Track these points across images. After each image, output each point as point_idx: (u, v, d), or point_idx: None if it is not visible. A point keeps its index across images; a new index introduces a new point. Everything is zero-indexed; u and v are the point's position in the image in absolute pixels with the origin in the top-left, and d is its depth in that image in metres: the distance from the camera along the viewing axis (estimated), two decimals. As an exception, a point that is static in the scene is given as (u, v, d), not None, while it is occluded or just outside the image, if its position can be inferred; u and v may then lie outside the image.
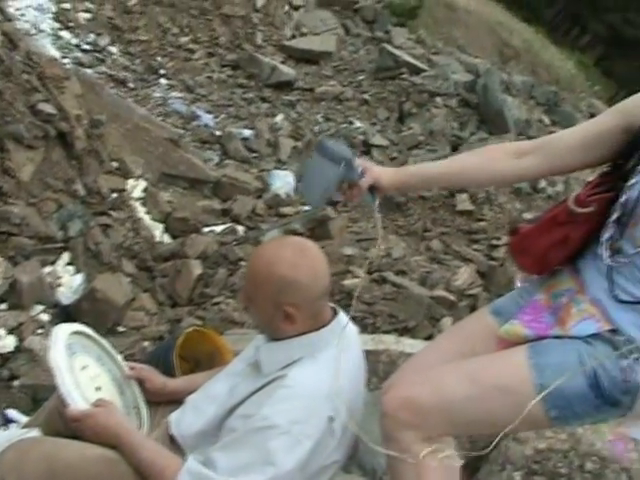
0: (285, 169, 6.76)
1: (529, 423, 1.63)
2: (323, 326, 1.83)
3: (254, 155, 6.99)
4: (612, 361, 1.55)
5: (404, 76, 8.65)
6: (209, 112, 7.49)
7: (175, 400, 2.05)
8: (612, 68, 20.60)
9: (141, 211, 4.94)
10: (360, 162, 1.86)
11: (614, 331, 1.59)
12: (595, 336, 1.60)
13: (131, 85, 7.50)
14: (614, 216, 1.60)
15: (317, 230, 5.12)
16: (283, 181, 6.48)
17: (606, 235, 1.62)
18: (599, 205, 1.64)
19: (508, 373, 1.63)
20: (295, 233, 5.04)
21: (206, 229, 5.34)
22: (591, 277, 1.68)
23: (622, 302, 1.58)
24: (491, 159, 1.83)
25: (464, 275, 4.38)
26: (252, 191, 6.21)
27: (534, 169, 1.78)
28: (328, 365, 1.79)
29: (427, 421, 1.66)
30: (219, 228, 5.41)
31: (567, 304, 1.69)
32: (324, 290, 1.81)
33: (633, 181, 1.57)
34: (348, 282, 4.23)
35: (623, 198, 1.58)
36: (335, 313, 1.90)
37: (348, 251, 4.79)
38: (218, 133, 7.16)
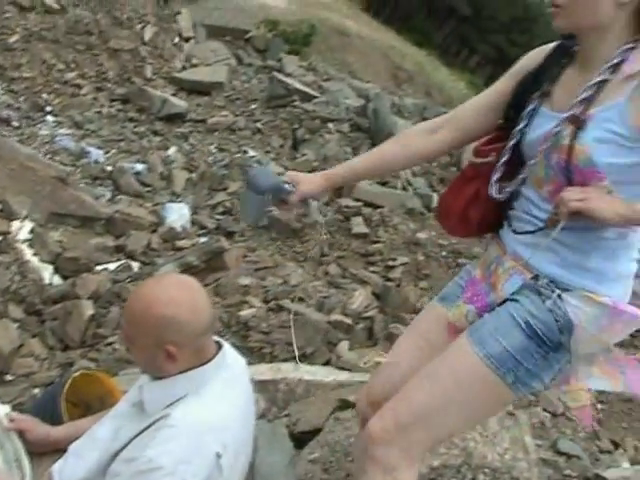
0: (180, 201, 6.70)
1: (497, 401, 1.73)
2: (207, 361, 1.81)
3: (147, 189, 6.89)
4: (538, 306, 1.64)
5: (296, 103, 8.74)
6: (99, 148, 7.35)
7: (61, 449, 1.99)
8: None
9: (28, 253, 4.78)
10: (290, 176, 1.94)
11: (536, 277, 1.68)
12: (522, 289, 1.69)
13: (15, 124, 7.29)
14: (503, 159, 1.76)
15: (212, 262, 5.06)
16: (178, 214, 6.41)
17: (495, 176, 1.77)
18: (497, 154, 1.78)
19: (459, 363, 1.69)
20: (191, 266, 4.98)
21: (99, 267, 5.21)
22: (506, 236, 1.81)
23: (520, 234, 1.73)
24: (407, 141, 1.94)
25: (360, 298, 4.42)
26: (146, 226, 6.11)
27: (449, 140, 1.91)
28: (213, 401, 1.77)
29: (410, 437, 1.71)
30: (113, 266, 5.30)
31: (495, 269, 1.80)
32: (206, 326, 1.79)
33: (520, 126, 1.72)
34: (245, 312, 4.20)
35: (511, 143, 1.73)
36: (220, 347, 1.88)
37: (245, 281, 4.77)
38: (109, 168, 7.02)
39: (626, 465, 3.50)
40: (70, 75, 8.59)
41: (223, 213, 6.67)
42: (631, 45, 1.60)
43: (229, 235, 6.18)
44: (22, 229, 4.87)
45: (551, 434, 3.45)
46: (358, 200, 6.60)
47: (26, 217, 5.03)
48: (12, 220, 4.85)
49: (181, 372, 1.77)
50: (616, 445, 4.01)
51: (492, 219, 1.88)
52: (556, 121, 1.65)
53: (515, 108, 1.77)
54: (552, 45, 1.77)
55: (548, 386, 1.74)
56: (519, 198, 1.80)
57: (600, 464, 3.45)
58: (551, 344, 1.62)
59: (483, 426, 2.78)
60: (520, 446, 2.86)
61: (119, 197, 6.68)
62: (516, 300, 1.69)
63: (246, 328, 4.05)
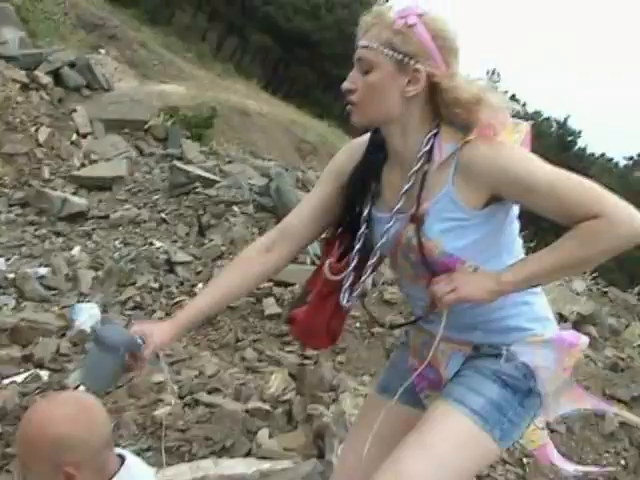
0: (88, 301, 6.55)
1: (485, 459, 1.74)
2: (110, 478, 1.77)
3: (53, 292, 6.73)
4: (496, 363, 1.72)
5: (198, 190, 8.77)
6: (0, 256, 7.17)
7: None
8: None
9: None
10: (139, 331, 1.87)
11: (477, 347, 1.77)
12: (468, 362, 1.77)
13: None
14: (352, 265, 1.83)
15: (127, 361, 4.94)
16: (87, 314, 6.26)
17: (346, 284, 1.84)
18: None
19: (447, 426, 1.68)
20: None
21: (6, 381, 5.01)
22: (425, 323, 1.87)
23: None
24: (247, 266, 1.95)
25: (276, 381, 4.39)
26: (54, 331, 5.93)
27: (286, 254, 1.96)
28: None
29: None
30: (20, 377, 5.10)
31: (429, 352, 1.83)
32: (105, 441, 1.75)
33: (362, 230, 1.80)
34: (159, 412, 4.10)
35: (356, 248, 1.81)
36: (122, 460, 1.83)
37: (159, 378, 4.67)
38: (11, 276, 6.84)
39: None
40: (-35, 184, 8.44)
41: (134, 308, 6.56)
42: (434, 131, 1.70)
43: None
44: None
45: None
46: (269, 280, 6.61)
47: None
48: None
49: None
50: None
51: (341, 325, 1.97)
52: (396, 222, 1.75)
53: (349, 212, 1.84)
54: (364, 139, 1.85)
55: (522, 436, 1.79)
56: (407, 294, 1.91)
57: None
58: (523, 391, 1.70)
59: None
60: None
61: (24, 304, 6.49)
62: (472, 367, 1.76)
63: (162, 428, 3.95)
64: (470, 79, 1.67)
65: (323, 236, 2.02)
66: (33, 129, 9.85)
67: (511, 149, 1.67)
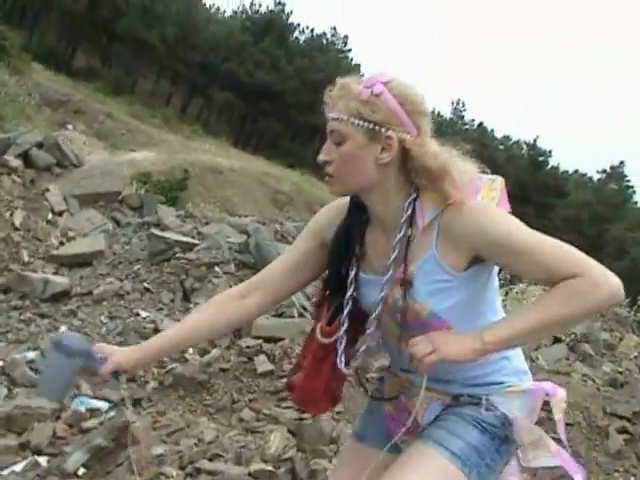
0: (80, 381, 6.51)
1: None
2: None
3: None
4: (476, 410, 1.75)
5: (178, 255, 8.79)
6: (-14, 345, 7.13)
7: None
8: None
9: None
10: (100, 348, 1.90)
11: (456, 397, 1.80)
12: (447, 410, 1.80)
13: None
14: (343, 329, 1.85)
15: (122, 438, 4.91)
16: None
17: (340, 348, 1.86)
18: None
19: (428, 467, 1.68)
20: (100, 449, 4.81)
21: (5, 472, 4.95)
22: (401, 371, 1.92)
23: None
24: (220, 309, 1.97)
25: (276, 440, 4.37)
26: (49, 415, 5.87)
27: (261, 305, 1.98)
28: None
29: None
30: (19, 466, 5.05)
31: (407, 400, 1.88)
32: None
33: (349, 293, 1.84)
34: (162, 486, 4.08)
35: (346, 311, 1.84)
36: None
37: (158, 450, 4.64)
38: (0, 364, 6.78)
39: None
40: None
41: (127, 381, 6.52)
42: (414, 196, 1.74)
43: (136, 403, 6.03)
44: None
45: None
46: (257, 337, 6.61)
47: None
48: None
49: None
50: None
51: (341, 387, 2.00)
52: (382, 285, 1.79)
53: (336, 275, 1.88)
54: (346, 200, 1.89)
55: None
56: (389, 351, 1.95)
57: None
58: (501, 438, 1.74)
59: None
60: None
61: (16, 391, 6.43)
62: (452, 412, 1.79)
63: (166, 502, 3.93)
64: (441, 148, 1.71)
65: (313, 300, 2.06)
66: (8, 214, 9.87)
67: (492, 212, 1.72)
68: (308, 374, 1.94)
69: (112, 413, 5.86)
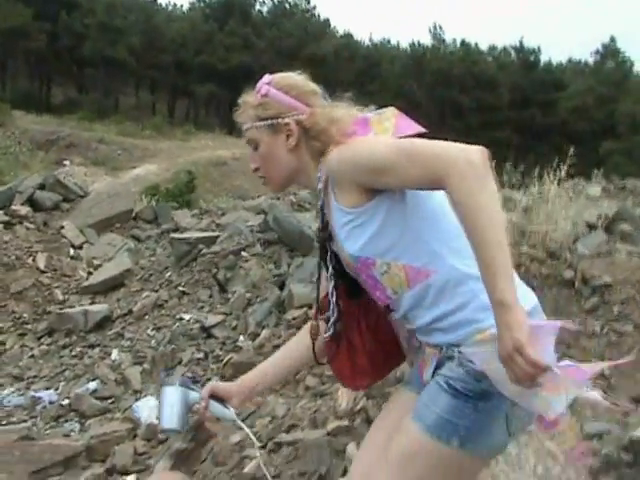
0: (144, 396, 6.61)
1: (460, 470, 1.75)
2: None
3: (110, 401, 6.79)
4: (451, 368, 1.72)
5: (204, 251, 8.82)
6: (47, 388, 7.24)
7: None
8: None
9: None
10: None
11: (441, 349, 1.78)
12: (438, 365, 1.79)
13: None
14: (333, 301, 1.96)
15: (199, 436, 4.98)
16: (148, 407, 6.31)
17: (331, 320, 1.98)
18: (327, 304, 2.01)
19: (406, 443, 1.76)
20: (182, 451, 4.88)
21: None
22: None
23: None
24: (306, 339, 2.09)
25: (344, 396, 4.39)
26: (125, 435, 5.99)
27: None
28: None
29: None
30: (110, 493, 5.15)
31: (420, 357, 1.93)
32: None
33: (330, 270, 1.97)
34: (248, 468, 4.13)
35: (331, 285, 1.97)
36: None
37: (236, 438, 4.70)
38: (66, 402, 6.90)
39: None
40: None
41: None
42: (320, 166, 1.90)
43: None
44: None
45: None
46: (301, 307, 6.64)
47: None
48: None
49: None
50: (637, 401, 4.05)
51: (381, 355, 2.04)
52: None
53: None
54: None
55: (513, 434, 1.76)
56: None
57: (632, 427, 3.46)
58: (475, 395, 1.67)
59: (503, 456, 2.78)
60: (546, 454, 2.86)
61: (88, 423, 6.55)
62: (435, 376, 1.79)
63: (256, 481, 3.98)
64: (329, 109, 1.90)
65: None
66: (30, 260, 9.97)
67: (354, 143, 1.79)
68: (332, 359, 2.06)
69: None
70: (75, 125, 34.70)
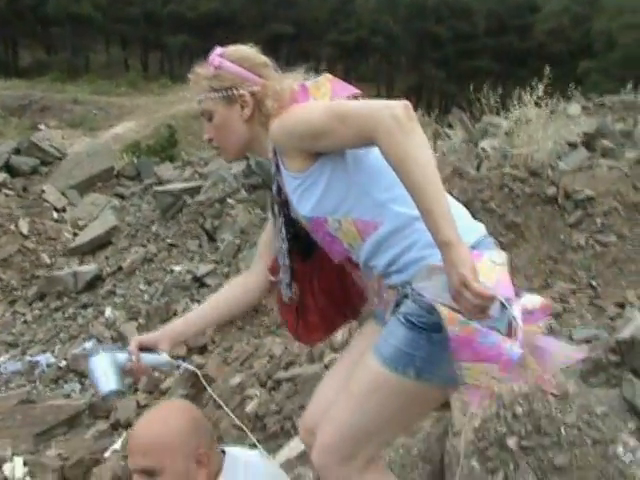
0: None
1: (418, 398, 1.83)
2: (219, 470, 1.87)
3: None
4: (407, 304, 1.76)
5: (189, 202, 8.77)
6: (44, 352, 7.27)
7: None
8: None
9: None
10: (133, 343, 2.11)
11: (398, 289, 1.82)
12: (397, 303, 1.83)
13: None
14: (282, 262, 2.04)
15: (199, 382, 5.03)
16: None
17: (285, 282, 2.06)
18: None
19: (365, 375, 1.83)
20: (183, 397, 4.93)
21: (107, 453, 5.12)
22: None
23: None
24: (241, 283, 2.23)
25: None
26: (127, 390, 6.04)
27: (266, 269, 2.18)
28: None
29: (349, 452, 1.84)
30: (118, 444, 5.21)
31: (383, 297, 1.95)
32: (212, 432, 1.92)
33: (283, 233, 2.03)
34: (250, 407, 4.18)
35: (284, 246, 2.03)
36: (223, 452, 1.96)
37: (236, 380, 4.74)
38: (64, 363, 6.94)
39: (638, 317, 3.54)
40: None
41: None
42: None
43: (202, 350, 6.14)
44: (15, 468, 4.75)
45: (559, 334, 3.49)
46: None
47: (13, 455, 4.93)
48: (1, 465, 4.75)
49: None
50: (621, 305, 4.10)
51: (332, 311, 2.11)
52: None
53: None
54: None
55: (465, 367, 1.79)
56: None
57: (618, 331, 3.50)
58: (428, 327, 1.71)
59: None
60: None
61: (87, 382, 6.59)
62: (394, 314, 1.82)
63: (258, 419, 4.03)
64: (279, 79, 1.94)
65: None
66: (12, 226, 9.87)
67: (293, 112, 1.85)
68: (282, 315, 2.18)
69: (183, 363, 5.98)
70: (47, 87, 34.14)
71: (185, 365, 2.29)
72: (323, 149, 1.81)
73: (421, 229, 1.69)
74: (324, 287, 2.09)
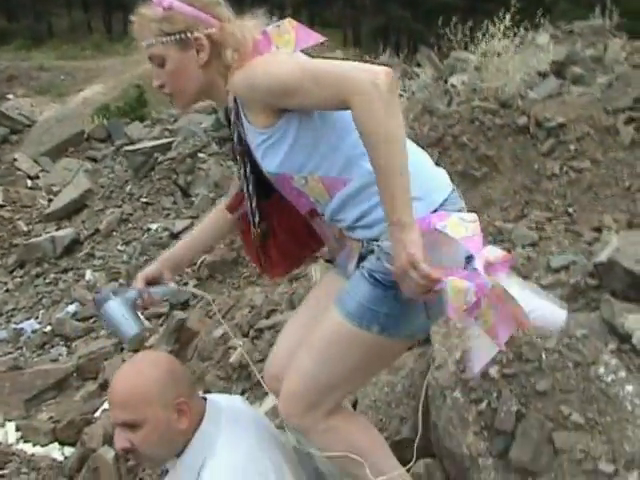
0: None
1: (381, 353, 1.83)
2: (202, 415, 1.87)
3: (92, 321, 6.83)
4: (372, 261, 1.74)
5: (160, 159, 8.69)
6: (28, 318, 7.25)
7: None
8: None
9: (28, 449, 4.70)
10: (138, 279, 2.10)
11: (363, 244, 1.80)
12: (360, 259, 1.81)
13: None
14: (248, 204, 1.98)
15: (183, 336, 5.04)
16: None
17: (251, 219, 2.01)
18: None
19: (327, 327, 1.82)
20: (169, 352, 4.94)
21: (97, 413, 5.15)
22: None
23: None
24: (220, 210, 2.19)
25: (318, 274, 4.43)
26: (112, 351, 6.06)
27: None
28: (230, 448, 1.82)
29: (313, 401, 1.84)
30: (107, 404, 5.24)
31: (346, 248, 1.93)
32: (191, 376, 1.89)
33: (242, 172, 1.95)
34: (234, 358, 4.19)
35: (245, 186, 1.95)
36: (204, 399, 1.94)
37: (219, 332, 4.75)
38: (49, 328, 6.93)
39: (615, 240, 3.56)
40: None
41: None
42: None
43: (184, 305, 6.15)
44: (8, 433, 4.78)
45: (537, 263, 3.49)
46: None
47: (5, 421, 4.95)
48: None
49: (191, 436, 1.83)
50: (598, 230, 4.12)
51: (293, 246, 2.08)
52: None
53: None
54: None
55: (433, 318, 1.83)
56: None
57: (595, 255, 3.51)
58: (393, 285, 1.67)
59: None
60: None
61: (74, 345, 6.61)
62: (358, 269, 1.80)
63: (242, 369, 4.04)
64: (239, 22, 1.80)
65: None
66: (-15, 196, 9.80)
67: (259, 64, 1.74)
68: (246, 249, 2.17)
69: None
70: (12, 56, 33.41)
71: (194, 290, 2.28)
72: (289, 107, 1.72)
73: None
74: (284, 225, 2.05)
